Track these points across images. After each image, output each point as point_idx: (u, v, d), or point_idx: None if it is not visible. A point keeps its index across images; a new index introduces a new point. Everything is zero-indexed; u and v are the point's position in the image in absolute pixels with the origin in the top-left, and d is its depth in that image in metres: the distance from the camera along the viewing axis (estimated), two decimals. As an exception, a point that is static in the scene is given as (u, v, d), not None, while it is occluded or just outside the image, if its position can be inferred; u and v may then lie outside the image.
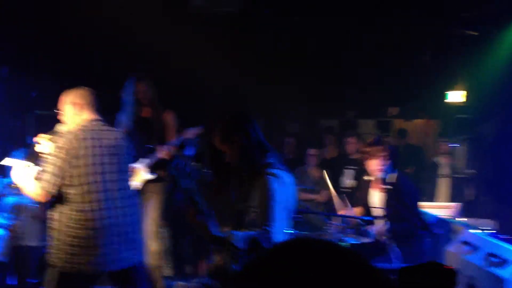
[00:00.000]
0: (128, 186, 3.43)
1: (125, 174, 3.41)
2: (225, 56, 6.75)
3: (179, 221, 6.46)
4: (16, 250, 4.73)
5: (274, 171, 2.54)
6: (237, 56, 7.03)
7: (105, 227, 3.21)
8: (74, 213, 3.16)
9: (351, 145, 6.47)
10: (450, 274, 1.75)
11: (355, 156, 6.41)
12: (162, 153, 4.86)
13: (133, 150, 3.57)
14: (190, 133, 4.95)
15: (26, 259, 4.71)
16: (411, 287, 1.89)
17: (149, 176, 4.96)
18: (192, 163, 2.54)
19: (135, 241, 3.38)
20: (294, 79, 7.78)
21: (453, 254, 4.03)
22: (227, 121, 2.64)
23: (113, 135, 3.41)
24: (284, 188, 2.52)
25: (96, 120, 3.40)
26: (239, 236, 2.40)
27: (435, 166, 7.97)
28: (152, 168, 4.97)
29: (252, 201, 2.53)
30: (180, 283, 5.11)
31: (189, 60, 6.54)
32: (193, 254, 6.31)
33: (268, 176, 2.51)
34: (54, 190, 3.13)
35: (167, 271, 5.88)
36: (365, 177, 4.42)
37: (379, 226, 4.14)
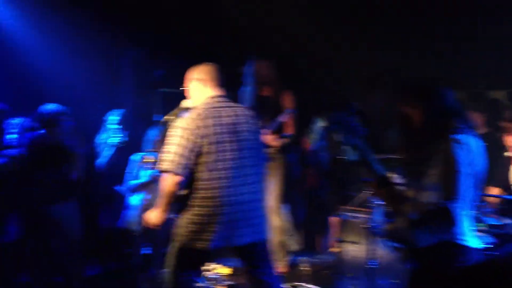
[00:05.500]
0: (256, 163, 3.38)
1: (252, 151, 3.35)
2: (347, 37, 6.57)
3: (300, 195, 6.46)
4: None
5: (460, 136, 2.34)
6: (361, 37, 6.79)
7: (230, 204, 3.23)
8: (200, 192, 3.21)
9: (476, 121, 6.09)
10: None
11: (482, 131, 5.99)
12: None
13: (259, 126, 3.54)
14: (284, 116, 4.93)
15: (158, 230, 4.93)
16: None
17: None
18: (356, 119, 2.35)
19: (259, 217, 3.38)
20: (421, 48, 7.37)
21: None
22: (408, 90, 2.58)
23: (238, 112, 3.38)
24: (469, 155, 2.32)
25: (220, 96, 3.40)
26: (414, 214, 2.29)
27: None
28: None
29: (433, 166, 2.35)
30: (304, 258, 5.09)
31: (313, 43, 6.45)
32: (312, 230, 6.27)
33: (452, 141, 2.32)
34: (181, 171, 3.14)
35: (293, 246, 5.91)
36: (505, 154, 4.09)
37: None
